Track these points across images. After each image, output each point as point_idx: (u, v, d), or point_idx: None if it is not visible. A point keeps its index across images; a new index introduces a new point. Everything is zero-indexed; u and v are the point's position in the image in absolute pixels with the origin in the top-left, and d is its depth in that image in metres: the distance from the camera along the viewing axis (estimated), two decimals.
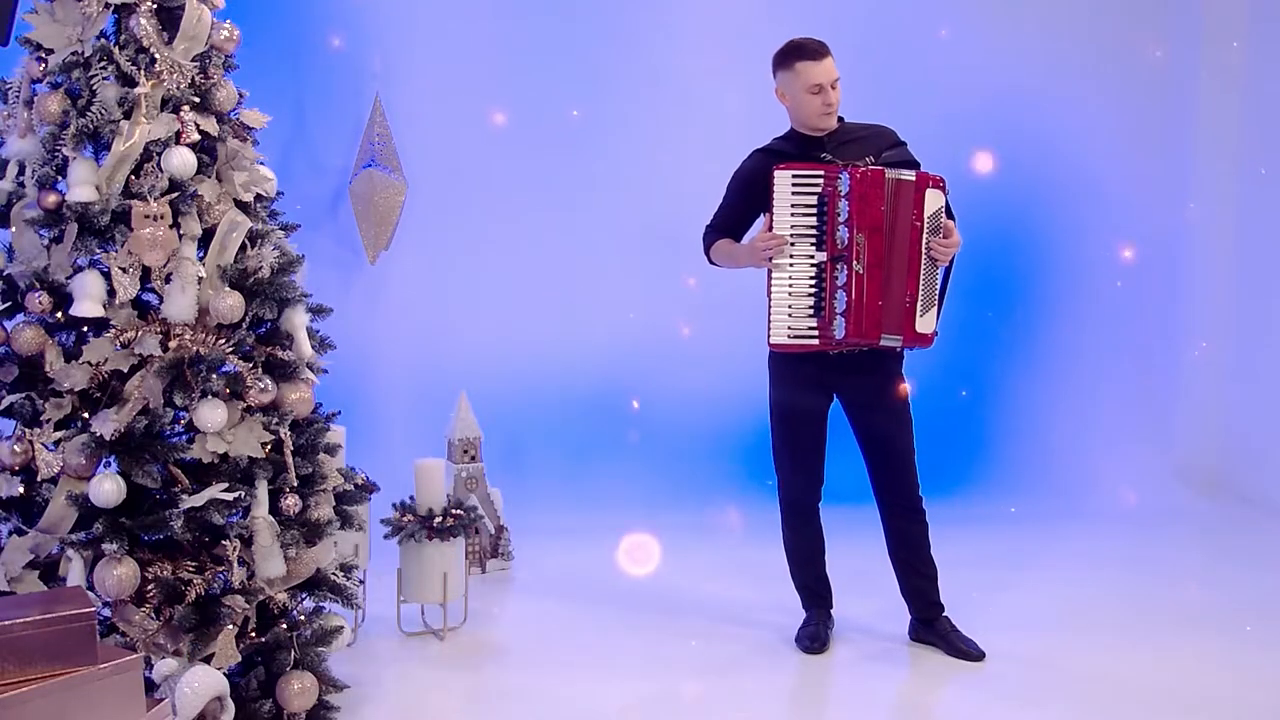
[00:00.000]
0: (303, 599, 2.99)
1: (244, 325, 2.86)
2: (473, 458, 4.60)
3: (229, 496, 2.72)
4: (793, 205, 3.37)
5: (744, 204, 3.56)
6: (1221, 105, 5.80)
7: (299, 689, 2.83)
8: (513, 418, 5.40)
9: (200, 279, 2.80)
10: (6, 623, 2.12)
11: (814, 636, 3.61)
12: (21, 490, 2.76)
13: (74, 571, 2.66)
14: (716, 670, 3.47)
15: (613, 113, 5.63)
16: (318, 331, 3.10)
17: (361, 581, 3.69)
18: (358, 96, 5.38)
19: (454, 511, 3.80)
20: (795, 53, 3.41)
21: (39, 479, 2.73)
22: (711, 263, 3.65)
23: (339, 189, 5.44)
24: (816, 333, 3.38)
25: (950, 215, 3.45)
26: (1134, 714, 3.14)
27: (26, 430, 2.74)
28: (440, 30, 5.52)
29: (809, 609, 3.71)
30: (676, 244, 5.68)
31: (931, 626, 3.63)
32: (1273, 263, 5.67)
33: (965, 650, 3.53)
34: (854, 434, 3.61)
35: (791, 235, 3.38)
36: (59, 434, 2.73)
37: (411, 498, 3.83)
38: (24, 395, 2.77)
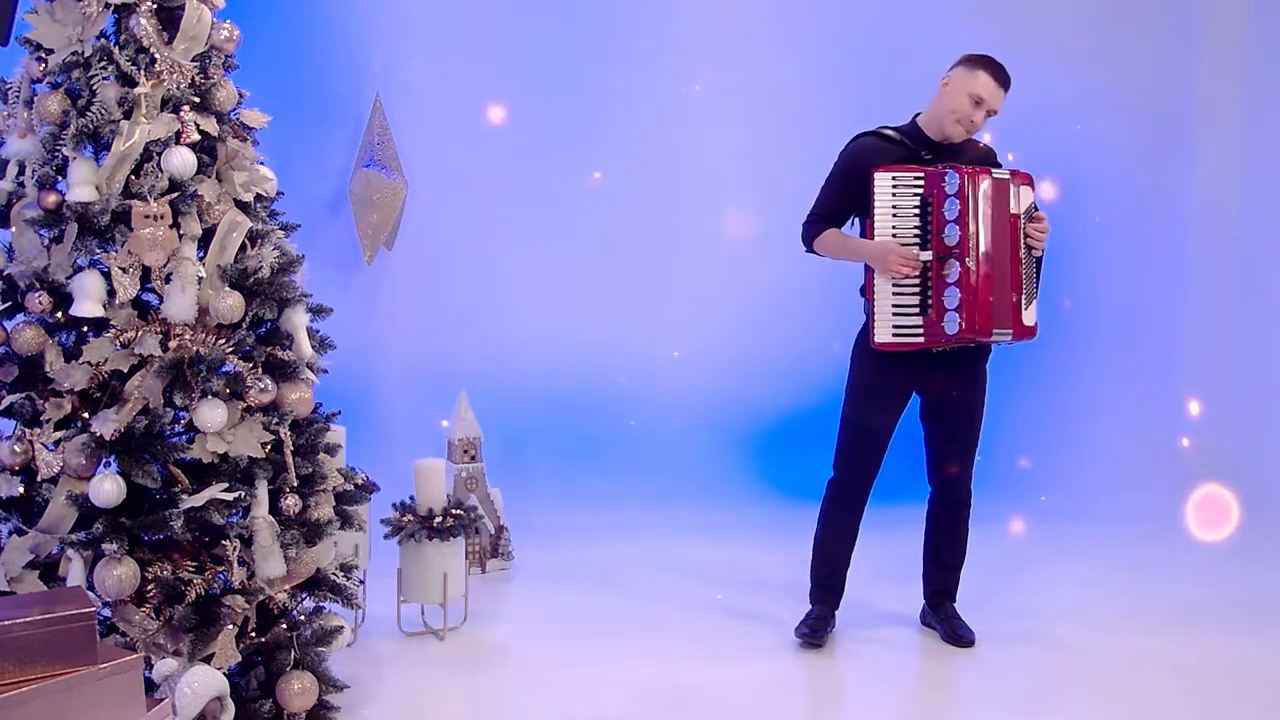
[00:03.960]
0: (303, 599, 2.99)
1: (244, 325, 2.86)
2: (473, 458, 4.60)
3: (229, 496, 2.71)
4: (894, 207, 3.41)
5: (849, 188, 3.52)
6: (1221, 105, 5.80)
7: (299, 689, 2.83)
8: (513, 418, 5.40)
9: (200, 279, 2.80)
10: (6, 623, 2.12)
11: (814, 629, 3.63)
12: (21, 490, 2.76)
13: (74, 571, 2.66)
14: (716, 668, 3.47)
15: (613, 112, 5.63)
16: (318, 331, 3.10)
17: (361, 581, 3.69)
18: (358, 96, 5.38)
19: (454, 511, 3.80)
20: (988, 64, 3.45)
21: (39, 479, 2.73)
22: (810, 250, 3.61)
23: (339, 189, 5.44)
24: (922, 331, 3.41)
25: (1037, 210, 3.51)
26: (1132, 712, 3.14)
27: (26, 430, 2.74)
28: (440, 30, 5.52)
29: (815, 603, 3.72)
30: (677, 244, 5.71)
31: (935, 610, 3.73)
32: (1273, 262, 5.67)
33: (958, 635, 3.62)
34: (921, 421, 3.66)
35: (894, 236, 3.40)
36: (59, 434, 2.72)
37: (411, 498, 3.83)
38: (24, 395, 2.77)
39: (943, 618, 3.69)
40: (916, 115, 3.59)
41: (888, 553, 4.16)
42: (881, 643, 3.67)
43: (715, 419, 5.69)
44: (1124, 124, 5.84)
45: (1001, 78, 3.46)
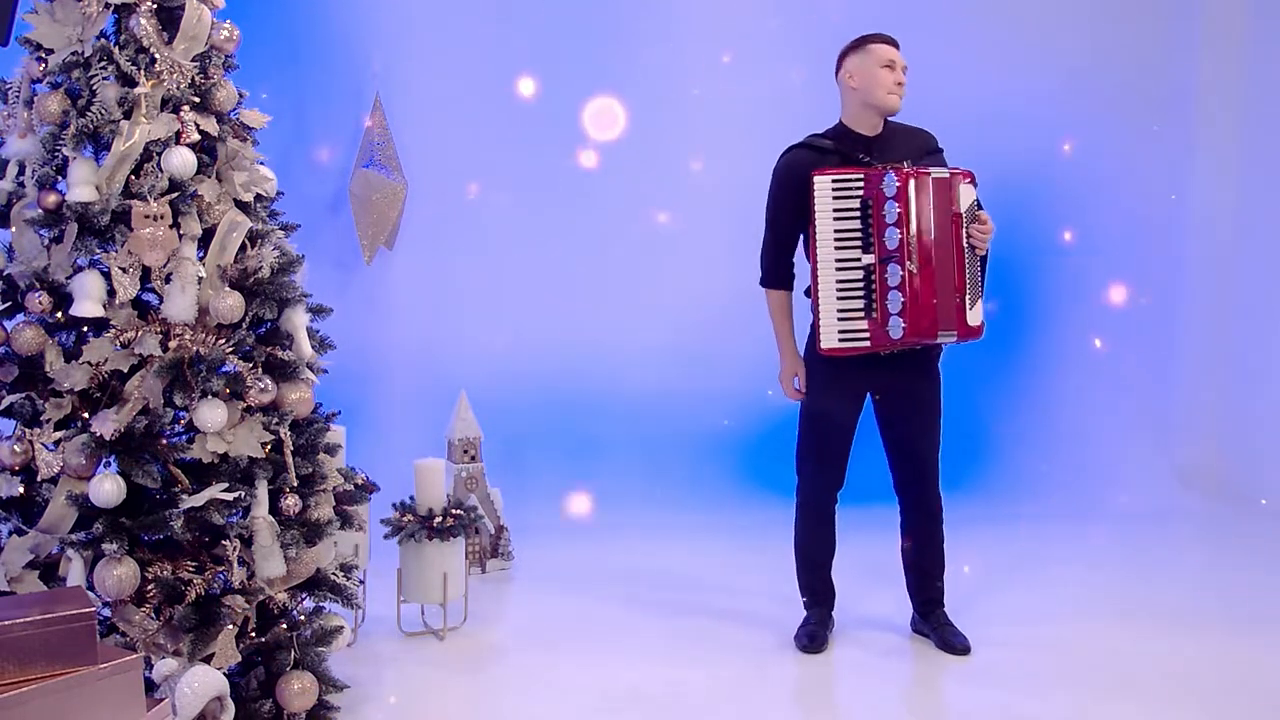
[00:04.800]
0: (303, 599, 2.99)
1: (244, 325, 2.86)
2: (473, 458, 4.60)
3: (229, 496, 2.71)
4: (835, 210, 3.38)
5: (788, 205, 3.50)
6: (1221, 106, 5.80)
7: (299, 689, 2.83)
8: (513, 418, 5.40)
9: (200, 279, 2.80)
10: (6, 623, 2.12)
11: (813, 636, 3.62)
12: (21, 490, 2.76)
13: (74, 571, 2.66)
14: (716, 669, 3.47)
15: (613, 110, 5.63)
16: (318, 331, 3.10)
17: (361, 581, 3.69)
18: (358, 96, 5.38)
19: (454, 511, 3.80)
20: (871, 37, 3.48)
21: (39, 479, 2.73)
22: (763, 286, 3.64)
23: (339, 189, 5.44)
24: (868, 335, 3.39)
25: (980, 208, 3.48)
26: (1132, 711, 3.14)
27: (26, 430, 2.74)
28: (440, 30, 5.52)
29: (810, 608, 3.72)
30: (678, 242, 5.71)
31: (926, 619, 3.69)
32: (1272, 263, 5.67)
33: (952, 643, 3.58)
34: (880, 429, 3.63)
35: (836, 239, 3.38)
36: (59, 434, 2.72)
37: (411, 498, 3.83)
38: (24, 395, 2.77)
39: (935, 625, 3.65)
40: (840, 119, 3.55)
41: (880, 554, 4.14)
42: (878, 646, 3.65)
43: (716, 418, 5.69)
44: (1124, 124, 5.83)
45: (888, 39, 3.49)
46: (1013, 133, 5.65)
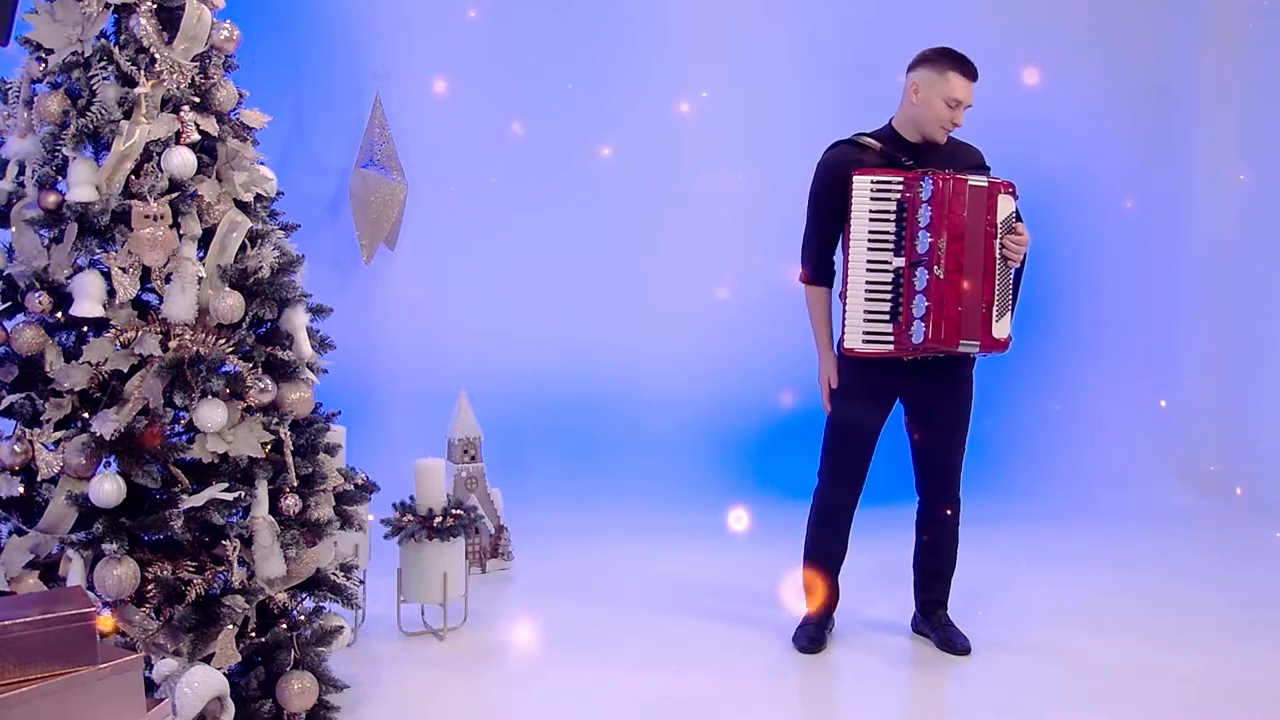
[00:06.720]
0: (303, 599, 2.99)
1: (244, 325, 2.87)
2: (473, 458, 4.60)
3: (229, 496, 2.72)
4: (871, 211, 3.37)
5: (829, 200, 3.48)
6: (1221, 106, 5.80)
7: (299, 689, 2.83)
8: (513, 418, 5.40)
9: (200, 279, 2.80)
10: (6, 623, 2.12)
11: (812, 637, 3.62)
12: (21, 490, 2.76)
13: (74, 571, 2.66)
14: (716, 670, 3.47)
15: (613, 111, 5.63)
16: (318, 331, 3.10)
17: (361, 581, 3.69)
18: (358, 96, 5.38)
19: (454, 511, 3.80)
20: (954, 61, 3.39)
21: (39, 479, 2.73)
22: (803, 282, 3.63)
23: (339, 189, 5.44)
24: (892, 338, 3.38)
25: (1019, 220, 3.45)
26: (1132, 711, 3.14)
27: (26, 430, 2.74)
28: (440, 30, 5.52)
29: (811, 609, 3.72)
30: (678, 242, 5.71)
31: (928, 618, 3.70)
32: (1272, 263, 5.67)
33: (953, 644, 3.59)
34: (907, 431, 3.63)
35: (870, 241, 3.38)
36: (59, 434, 2.73)
37: (411, 498, 3.83)
38: (24, 395, 2.77)
39: (936, 625, 3.66)
40: (891, 119, 3.54)
41: (885, 557, 4.14)
42: (877, 650, 3.65)
43: (716, 419, 5.69)
44: (1123, 122, 5.83)
45: (970, 72, 3.40)
46: (1009, 133, 5.65)
